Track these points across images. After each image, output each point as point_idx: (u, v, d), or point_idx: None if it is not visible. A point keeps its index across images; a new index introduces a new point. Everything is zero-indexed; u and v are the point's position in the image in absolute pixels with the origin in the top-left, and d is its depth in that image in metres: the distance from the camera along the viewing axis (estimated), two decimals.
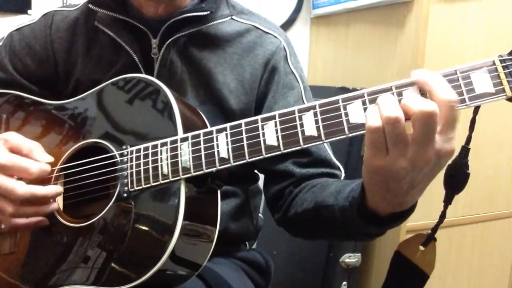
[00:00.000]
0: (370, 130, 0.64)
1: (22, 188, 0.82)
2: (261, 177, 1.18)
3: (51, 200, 0.87)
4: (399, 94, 0.66)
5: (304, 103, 1.04)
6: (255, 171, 1.15)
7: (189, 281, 0.85)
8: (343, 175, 1.04)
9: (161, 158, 0.80)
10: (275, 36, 1.06)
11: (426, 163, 0.64)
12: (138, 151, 0.83)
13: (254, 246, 1.24)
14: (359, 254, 1.91)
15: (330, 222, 0.87)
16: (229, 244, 1.10)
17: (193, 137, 0.79)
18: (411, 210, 0.76)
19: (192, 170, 0.78)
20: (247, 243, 1.19)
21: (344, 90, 1.92)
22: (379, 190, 0.71)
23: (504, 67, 0.64)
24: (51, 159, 0.89)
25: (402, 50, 1.84)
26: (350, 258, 1.89)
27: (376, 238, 0.86)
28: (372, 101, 0.68)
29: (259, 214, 1.20)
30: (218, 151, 0.76)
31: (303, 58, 2.33)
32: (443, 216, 0.82)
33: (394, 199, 0.71)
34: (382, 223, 0.76)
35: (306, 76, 1.11)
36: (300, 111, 0.72)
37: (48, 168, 0.87)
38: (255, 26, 1.06)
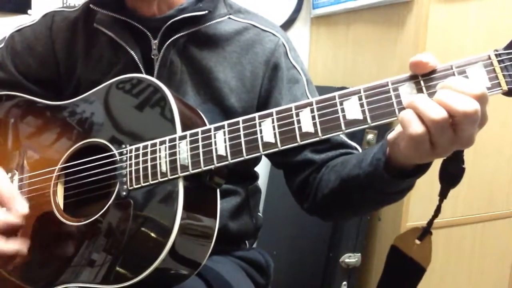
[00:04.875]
0: (413, 138, 0.65)
1: None
2: (262, 176, 1.19)
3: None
4: (395, 90, 0.67)
5: (308, 96, 1.05)
6: (255, 169, 1.15)
7: (189, 280, 0.85)
8: None
9: (159, 156, 0.80)
10: (273, 34, 1.07)
11: (469, 142, 0.66)
12: (137, 149, 0.84)
13: (254, 246, 1.24)
14: (359, 254, 1.91)
15: (359, 193, 0.88)
16: (229, 243, 1.11)
17: (191, 135, 0.79)
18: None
19: (190, 168, 0.78)
20: (247, 242, 1.19)
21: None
22: (410, 158, 0.72)
23: (499, 61, 0.65)
24: (25, 209, 0.85)
25: (402, 50, 1.84)
26: (350, 258, 1.89)
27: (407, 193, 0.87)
28: (368, 96, 0.68)
29: (259, 213, 1.20)
30: (216, 148, 0.77)
31: (303, 58, 2.32)
32: (438, 210, 0.82)
33: (415, 163, 0.74)
34: (410, 175, 0.77)
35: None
36: (297, 107, 0.73)
37: (15, 222, 0.83)
38: (252, 25, 1.06)
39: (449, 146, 0.66)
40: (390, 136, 0.74)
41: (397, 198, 0.88)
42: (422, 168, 0.77)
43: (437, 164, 0.77)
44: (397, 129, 0.72)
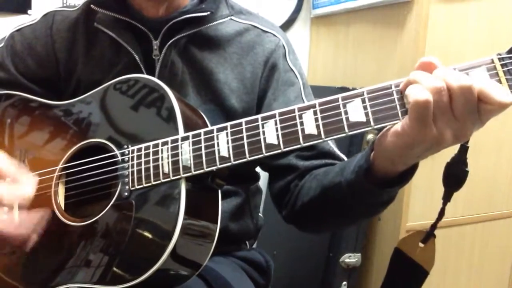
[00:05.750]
0: (419, 104, 0.63)
1: None
2: (262, 177, 1.19)
3: None
4: (398, 92, 0.67)
5: (303, 99, 1.04)
6: (256, 169, 1.15)
7: (189, 280, 0.85)
8: None
9: (162, 157, 0.80)
10: (273, 35, 1.07)
11: (467, 135, 0.66)
12: (139, 150, 0.83)
13: (254, 246, 1.24)
14: (359, 254, 1.91)
15: (339, 202, 0.87)
16: (229, 243, 1.11)
17: (194, 136, 0.79)
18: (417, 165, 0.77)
19: (192, 169, 0.78)
20: (247, 242, 1.19)
21: (344, 90, 1.89)
22: (397, 158, 0.72)
23: (502, 65, 0.64)
24: (33, 181, 0.85)
25: (402, 50, 1.84)
26: (350, 258, 1.89)
27: (389, 205, 0.85)
28: (371, 99, 0.68)
29: (259, 214, 1.20)
30: (218, 149, 0.77)
31: (303, 58, 2.33)
32: (442, 213, 0.83)
33: (407, 162, 0.73)
34: (393, 184, 0.77)
35: (305, 74, 1.11)
36: (300, 109, 0.73)
37: (29, 194, 0.83)
38: (253, 26, 1.07)
39: (446, 129, 0.65)
40: (379, 136, 0.74)
41: (376, 210, 0.88)
42: (404, 178, 0.76)
43: (437, 164, 0.77)
44: (386, 128, 0.72)
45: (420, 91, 0.63)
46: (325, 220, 0.99)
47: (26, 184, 0.84)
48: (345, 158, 1.03)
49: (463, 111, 0.64)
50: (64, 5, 1.22)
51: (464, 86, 0.62)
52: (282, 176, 1.03)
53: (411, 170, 0.76)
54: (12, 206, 0.81)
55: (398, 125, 0.68)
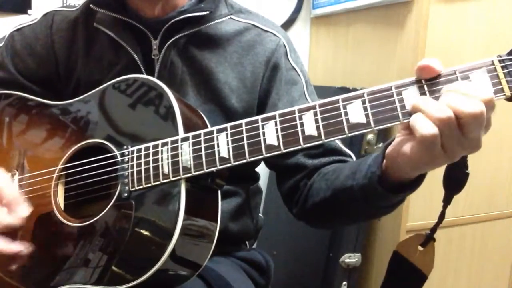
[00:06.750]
0: (426, 139, 0.64)
1: None
2: (262, 176, 1.19)
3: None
4: (399, 94, 0.67)
5: (306, 97, 1.05)
6: (256, 169, 1.15)
7: (189, 281, 0.85)
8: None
9: (161, 157, 0.80)
10: (274, 34, 1.07)
11: (478, 146, 0.66)
12: (139, 151, 0.83)
13: (254, 246, 1.24)
14: (359, 254, 1.91)
15: (351, 204, 0.88)
16: (229, 243, 1.11)
17: (194, 137, 0.79)
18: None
19: (192, 170, 0.78)
20: (247, 242, 1.19)
21: (344, 90, 1.92)
22: (409, 170, 0.72)
23: (503, 67, 0.65)
24: (26, 212, 0.85)
25: (402, 50, 1.84)
26: (350, 258, 1.89)
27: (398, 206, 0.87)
28: (372, 100, 0.68)
29: (259, 214, 1.20)
30: (218, 150, 0.77)
31: (303, 58, 2.31)
32: (442, 216, 0.82)
33: (421, 171, 0.74)
34: (404, 189, 0.77)
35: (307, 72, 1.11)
36: (300, 111, 0.73)
37: (16, 224, 0.83)
38: (253, 25, 1.07)
39: (458, 149, 0.66)
40: (390, 149, 0.74)
41: (387, 211, 0.88)
42: (416, 183, 0.77)
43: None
44: (396, 140, 0.72)
45: (426, 125, 0.64)
46: (335, 219, 1.02)
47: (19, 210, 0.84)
48: (352, 154, 1.05)
49: (475, 132, 0.64)
50: (64, 5, 1.22)
51: (477, 113, 0.62)
52: (291, 175, 1.03)
53: (424, 174, 0.76)
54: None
55: (407, 148, 0.69)
